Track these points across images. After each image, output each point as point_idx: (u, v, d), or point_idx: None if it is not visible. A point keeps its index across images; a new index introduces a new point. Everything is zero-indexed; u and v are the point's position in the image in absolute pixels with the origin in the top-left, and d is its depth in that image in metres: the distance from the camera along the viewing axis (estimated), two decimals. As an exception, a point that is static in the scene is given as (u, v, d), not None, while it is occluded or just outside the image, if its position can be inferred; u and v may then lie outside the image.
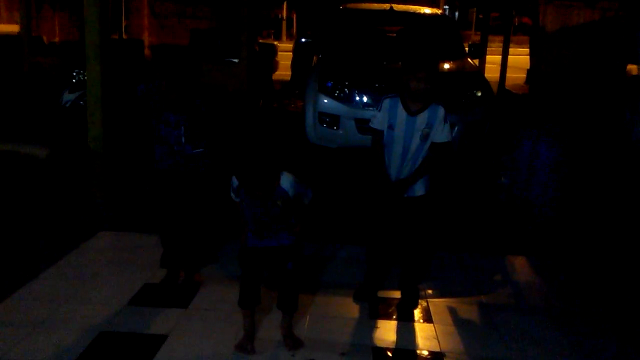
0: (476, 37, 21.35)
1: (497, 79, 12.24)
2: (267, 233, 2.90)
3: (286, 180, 2.77)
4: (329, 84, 6.51)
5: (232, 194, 2.91)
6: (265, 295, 3.07)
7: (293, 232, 2.94)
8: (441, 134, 3.23)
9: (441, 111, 3.23)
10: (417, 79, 3.16)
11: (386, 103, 3.32)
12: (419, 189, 3.35)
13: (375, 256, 3.63)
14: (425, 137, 3.24)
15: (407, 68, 3.20)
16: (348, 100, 6.40)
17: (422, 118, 3.23)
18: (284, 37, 27.71)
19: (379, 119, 3.34)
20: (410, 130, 3.24)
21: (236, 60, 9.86)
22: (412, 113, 3.23)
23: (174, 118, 3.45)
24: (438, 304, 3.61)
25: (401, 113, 3.25)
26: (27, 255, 4.06)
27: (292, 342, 3.04)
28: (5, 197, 5.17)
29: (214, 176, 3.64)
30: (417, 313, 3.51)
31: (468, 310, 3.59)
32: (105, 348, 2.99)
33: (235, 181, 2.84)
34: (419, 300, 3.62)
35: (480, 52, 10.12)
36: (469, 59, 7.54)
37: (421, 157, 3.29)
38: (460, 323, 3.42)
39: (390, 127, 3.28)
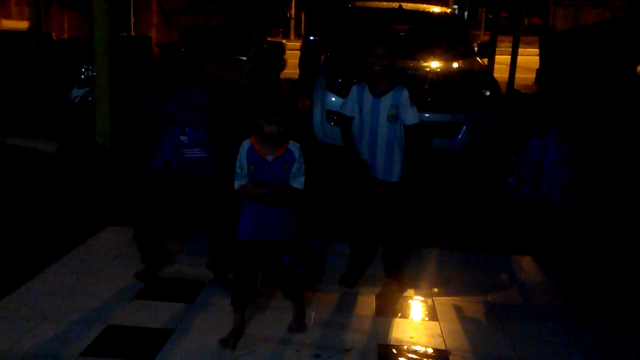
0: (485, 37, 21.29)
1: (507, 79, 12.20)
2: (267, 221, 2.88)
3: (294, 145, 2.88)
4: (337, 82, 6.50)
5: (238, 171, 2.86)
6: (264, 294, 3.06)
7: (290, 224, 2.95)
8: (409, 116, 3.34)
9: (405, 93, 3.34)
10: (375, 56, 3.28)
11: (354, 90, 3.48)
12: (395, 175, 3.43)
13: (357, 245, 3.74)
14: (393, 119, 3.34)
15: (367, 48, 3.34)
16: (356, 98, 6.38)
17: (386, 99, 3.34)
18: (292, 36, 27.74)
19: (348, 106, 3.49)
20: (376, 112, 3.36)
21: (244, 58, 9.87)
22: (377, 95, 3.36)
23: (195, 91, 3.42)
24: (444, 302, 3.60)
25: (367, 97, 3.39)
26: (35, 249, 4.09)
27: (296, 326, 3.14)
28: (14, 192, 5.21)
29: (224, 180, 3.60)
30: (423, 311, 3.52)
31: (474, 308, 3.58)
32: (112, 341, 3.01)
33: (246, 144, 2.83)
34: (424, 298, 3.63)
35: (489, 51, 10.06)
36: (478, 59, 7.50)
37: (396, 139, 3.39)
38: (465, 321, 3.41)
39: (360, 111, 3.41)
